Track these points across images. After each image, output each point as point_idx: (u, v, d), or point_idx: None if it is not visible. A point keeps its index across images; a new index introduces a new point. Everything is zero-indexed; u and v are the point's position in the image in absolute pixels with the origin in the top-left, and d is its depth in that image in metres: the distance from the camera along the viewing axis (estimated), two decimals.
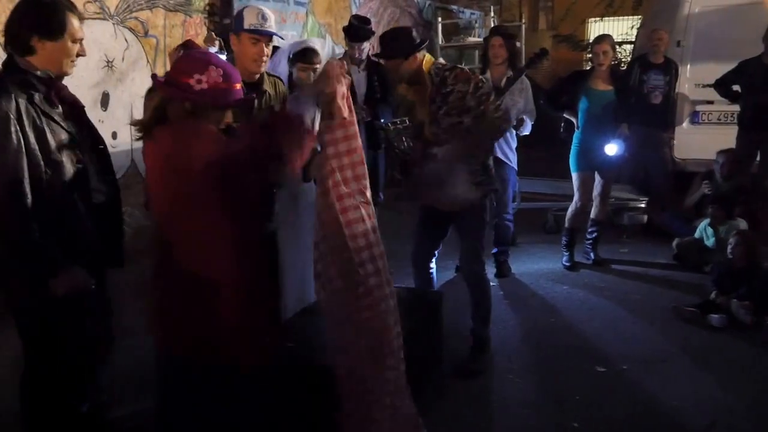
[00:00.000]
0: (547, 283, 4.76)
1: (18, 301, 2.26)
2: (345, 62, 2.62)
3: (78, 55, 2.24)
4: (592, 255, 5.19)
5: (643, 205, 5.96)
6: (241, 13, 2.84)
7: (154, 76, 2.18)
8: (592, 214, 5.11)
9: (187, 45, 3.75)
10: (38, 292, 2.15)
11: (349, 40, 4.63)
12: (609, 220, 5.56)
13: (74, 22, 2.18)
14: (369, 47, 4.71)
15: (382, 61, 3.46)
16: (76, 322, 2.27)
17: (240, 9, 2.92)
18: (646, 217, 5.94)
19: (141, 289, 4.36)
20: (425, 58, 3.19)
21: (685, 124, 6.37)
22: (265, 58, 2.83)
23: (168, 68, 4.92)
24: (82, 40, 2.23)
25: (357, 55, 4.56)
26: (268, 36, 2.84)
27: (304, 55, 3.75)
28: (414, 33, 3.19)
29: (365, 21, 4.73)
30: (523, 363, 3.53)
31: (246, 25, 2.77)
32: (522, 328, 4.01)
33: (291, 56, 3.82)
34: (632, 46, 8.92)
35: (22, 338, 2.31)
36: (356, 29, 4.59)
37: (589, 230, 5.18)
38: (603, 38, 4.88)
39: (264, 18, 2.81)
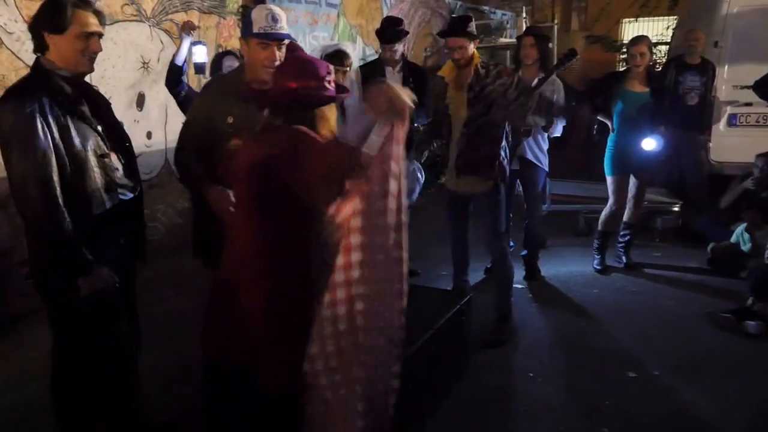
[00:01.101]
0: (577, 287, 4.71)
1: (49, 295, 2.33)
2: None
3: (93, 51, 2.24)
4: (623, 258, 5.11)
5: (677, 209, 5.86)
6: (249, 14, 2.64)
7: (262, 92, 2.15)
8: (625, 217, 5.04)
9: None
10: (67, 288, 2.20)
11: (382, 42, 4.64)
12: (642, 223, 5.48)
13: (83, 16, 2.19)
14: (403, 48, 4.70)
15: (449, 40, 3.67)
16: (104, 319, 2.32)
17: (249, 10, 2.72)
18: (680, 221, 5.84)
19: (170, 283, 4.46)
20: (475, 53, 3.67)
21: (721, 127, 6.23)
22: (277, 63, 2.57)
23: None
24: (95, 35, 2.23)
25: (390, 56, 4.56)
26: (279, 39, 2.59)
27: (336, 57, 3.79)
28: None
29: (398, 22, 4.73)
30: (553, 366, 3.50)
31: (255, 29, 2.57)
32: (552, 331, 3.97)
33: (323, 57, 3.86)
34: (667, 46, 8.79)
35: (52, 330, 2.37)
36: (389, 30, 4.60)
37: (622, 233, 5.11)
38: (640, 39, 4.79)
39: (274, 19, 2.59)
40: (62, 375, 2.39)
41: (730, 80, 6.13)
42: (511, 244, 4.94)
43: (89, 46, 2.22)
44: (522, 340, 3.85)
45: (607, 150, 4.90)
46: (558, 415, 3.04)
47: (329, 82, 2.04)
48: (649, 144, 4.67)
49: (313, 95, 2.01)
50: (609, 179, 4.92)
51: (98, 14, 2.26)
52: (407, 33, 4.84)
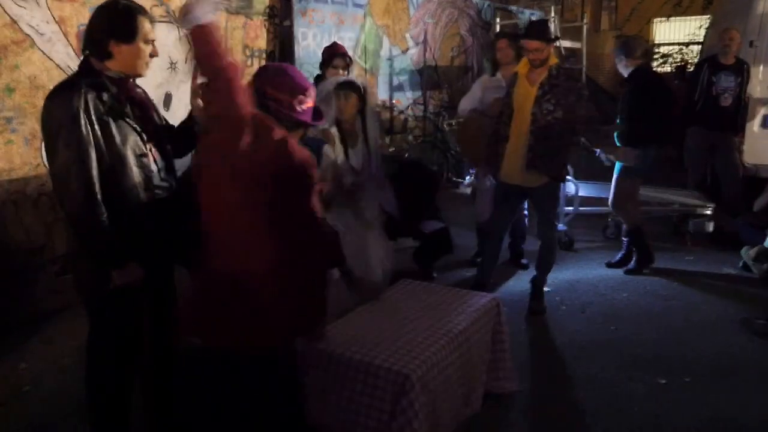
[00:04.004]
0: (606, 290, 4.63)
1: (85, 285, 2.39)
2: None
3: (151, 56, 2.35)
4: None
5: (709, 212, 5.74)
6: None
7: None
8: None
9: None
10: (101, 280, 2.26)
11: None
12: (674, 227, 5.38)
13: (146, 24, 2.30)
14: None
15: (526, 43, 3.90)
16: (128, 312, 2.38)
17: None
18: (712, 225, 5.72)
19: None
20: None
21: (755, 128, 6.10)
22: None
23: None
24: (154, 41, 2.35)
25: None
26: None
27: (346, 86, 3.62)
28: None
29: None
30: (581, 372, 3.44)
31: None
32: (580, 335, 3.91)
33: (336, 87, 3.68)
34: (700, 46, 8.64)
35: (89, 321, 2.42)
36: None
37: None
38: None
39: None
40: (96, 365, 2.44)
41: (766, 80, 6.00)
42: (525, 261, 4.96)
43: (151, 51, 2.33)
44: (550, 344, 3.79)
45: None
46: (586, 421, 2.98)
47: (301, 102, 2.03)
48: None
49: (279, 111, 2.00)
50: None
51: (151, 20, 2.35)
52: None
